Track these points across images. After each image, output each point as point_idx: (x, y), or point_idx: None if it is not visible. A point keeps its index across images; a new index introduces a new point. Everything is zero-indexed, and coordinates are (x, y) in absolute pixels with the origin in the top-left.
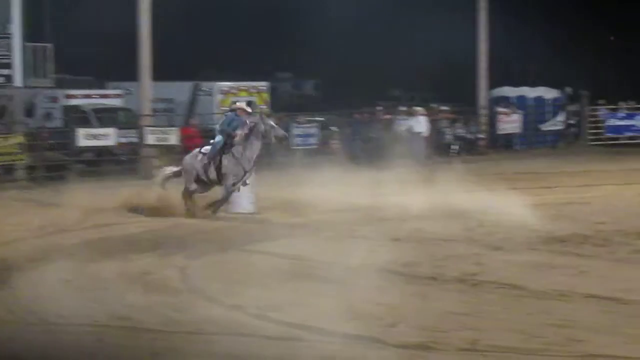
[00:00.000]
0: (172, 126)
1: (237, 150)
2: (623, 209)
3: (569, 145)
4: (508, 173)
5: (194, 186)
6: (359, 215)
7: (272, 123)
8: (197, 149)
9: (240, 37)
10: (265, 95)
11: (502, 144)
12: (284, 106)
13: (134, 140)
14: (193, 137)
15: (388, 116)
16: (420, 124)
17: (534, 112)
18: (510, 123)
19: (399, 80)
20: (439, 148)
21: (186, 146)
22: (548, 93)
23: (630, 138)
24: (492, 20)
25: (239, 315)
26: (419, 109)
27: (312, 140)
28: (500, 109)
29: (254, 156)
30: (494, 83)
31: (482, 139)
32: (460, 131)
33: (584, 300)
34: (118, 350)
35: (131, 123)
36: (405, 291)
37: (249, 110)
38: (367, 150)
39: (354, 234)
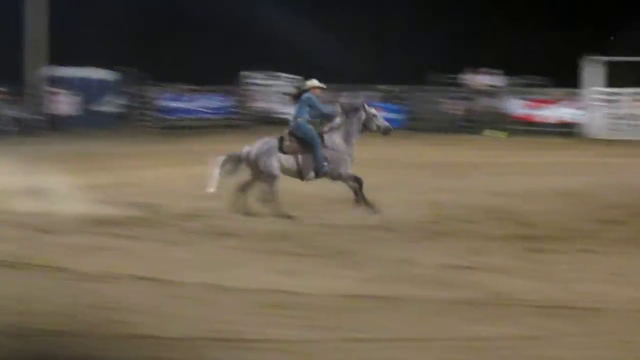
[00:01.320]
0: None
1: (331, 140)
2: (174, 190)
3: (124, 126)
4: (62, 155)
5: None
6: None
7: (374, 112)
8: (267, 141)
9: None
10: None
11: (58, 125)
12: None
13: None
14: None
15: None
16: None
17: (89, 92)
18: (64, 104)
19: None
20: None
21: None
22: (101, 74)
23: (182, 119)
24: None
25: None
26: None
27: None
28: (50, 89)
29: (354, 141)
30: (48, 62)
31: (38, 120)
32: (15, 112)
33: (128, 282)
34: None
35: None
36: None
37: (324, 86)
38: None
39: None
